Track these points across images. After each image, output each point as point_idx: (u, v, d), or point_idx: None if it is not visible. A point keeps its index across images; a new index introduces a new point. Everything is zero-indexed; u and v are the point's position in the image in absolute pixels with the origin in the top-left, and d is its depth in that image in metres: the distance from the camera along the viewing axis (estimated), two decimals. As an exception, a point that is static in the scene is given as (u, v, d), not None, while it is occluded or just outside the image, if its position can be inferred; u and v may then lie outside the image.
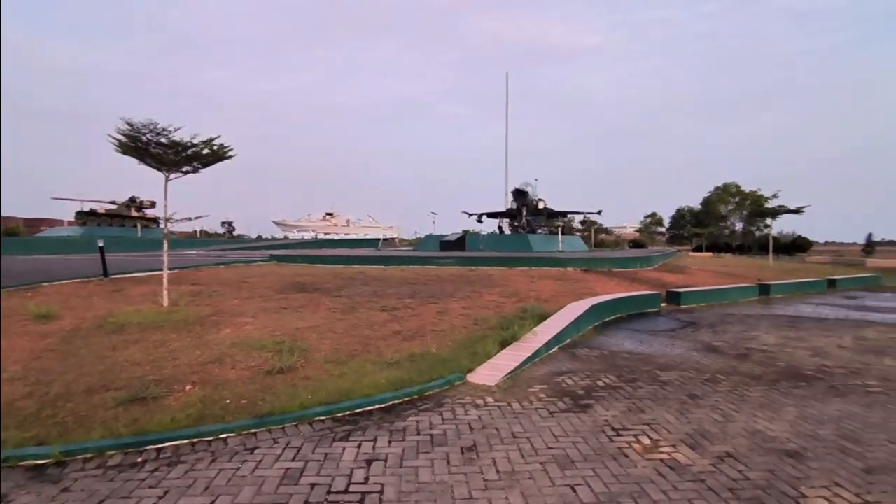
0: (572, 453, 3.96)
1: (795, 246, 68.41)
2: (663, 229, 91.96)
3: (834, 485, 3.52)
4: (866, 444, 4.23)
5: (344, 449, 3.96)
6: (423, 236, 42.37)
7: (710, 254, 55.82)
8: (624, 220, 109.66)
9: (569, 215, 50.28)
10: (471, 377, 6.00)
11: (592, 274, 17.83)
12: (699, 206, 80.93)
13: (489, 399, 5.29)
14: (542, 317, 9.27)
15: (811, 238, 73.89)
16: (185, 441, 4.04)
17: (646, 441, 4.23)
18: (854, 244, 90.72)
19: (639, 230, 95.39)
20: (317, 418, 4.56)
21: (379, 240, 47.95)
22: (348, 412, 4.74)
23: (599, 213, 43.10)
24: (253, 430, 4.26)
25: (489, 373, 6.11)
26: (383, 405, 4.97)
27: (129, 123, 9.15)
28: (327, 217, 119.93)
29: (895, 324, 11.02)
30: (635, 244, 78.85)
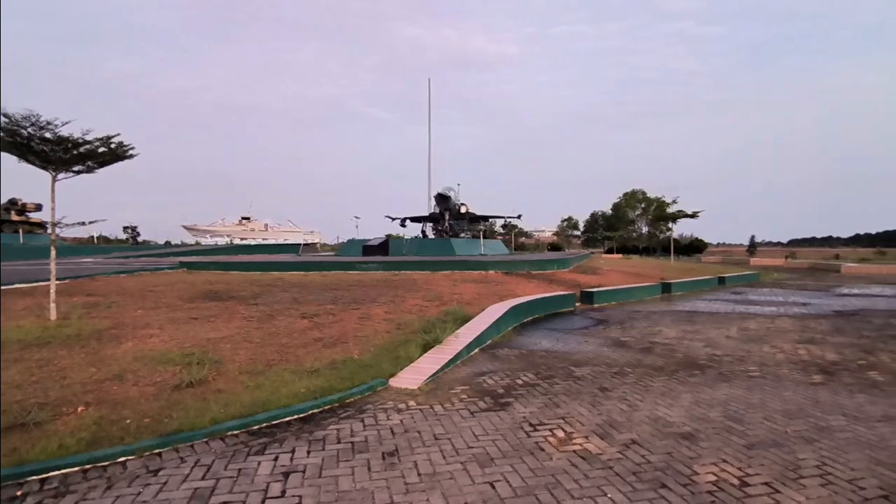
0: (492, 451, 4.07)
1: (693, 247, 74.94)
2: (579, 233, 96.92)
3: (721, 461, 3.90)
4: (748, 423, 4.73)
5: (259, 463, 3.79)
6: (345, 241, 41.56)
7: (620, 255, 59.63)
8: (542, 223, 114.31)
9: (490, 219, 51.64)
10: (393, 382, 5.98)
11: (513, 276, 18.42)
12: (610, 211, 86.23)
13: (412, 403, 5.30)
14: (465, 319, 9.44)
15: (706, 240, 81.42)
16: (75, 469, 3.67)
17: (560, 434, 4.45)
18: (741, 245, 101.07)
19: (556, 233, 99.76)
20: (230, 433, 4.33)
21: (300, 245, 46.40)
22: (265, 424, 4.55)
23: (519, 217, 44.53)
24: (157, 451, 3.96)
25: (412, 377, 6.13)
26: (302, 415, 4.82)
27: (5, 115, 8.12)
28: (243, 221, 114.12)
29: (771, 315, 12.42)
30: (553, 247, 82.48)
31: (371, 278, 16.06)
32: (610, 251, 71.77)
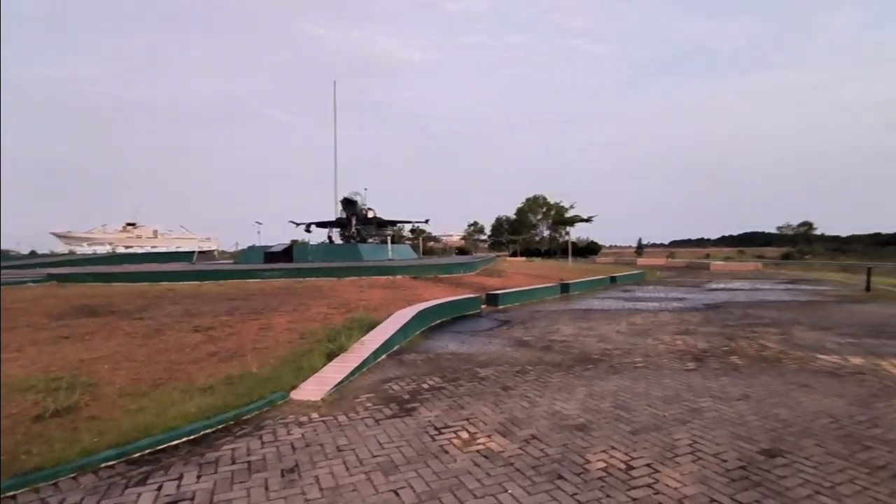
0: (397, 458, 4.05)
1: (589, 249, 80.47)
2: (485, 237, 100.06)
3: (610, 448, 4.20)
4: (633, 411, 5.15)
5: (139, 495, 3.44)
6: (245, 248, 39.31)
7: (524, 258, 62.41)
8: (451, 228, 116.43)
9: (398, 224, 51.58)
10: (295, 394, 5.74)
11: (421, 281, 18.54)
12: (514, 216, 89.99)
13: (314, 415, 5.12)
14: (371, 326, 9.32)
15: (601, 242, 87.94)
16: None
17: (465, 435, 4.53)
18: (630, 247, 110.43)
19: (464, 238, 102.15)
20: (104, 464, 3.89)
21: (193, 252, 43.11)
22: (148, 451, 4.14)
23: (426, 222, 45.00)
24: (11, 494, 3.45)
25: (315, 387, 5.92)
26: (193, 437, 4.46)
27: None
28: (128, 228, 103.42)
29: (654, 310, 13.68)
30: (461, 251, 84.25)
31: (273, 286, 15.32)
32: (514, 254, 74.80)
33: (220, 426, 4.73)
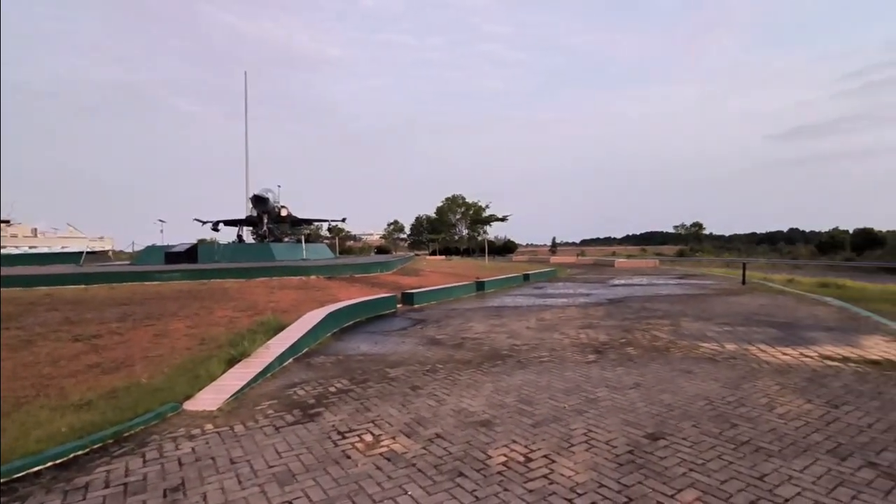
0: (295, 467, 3.88)
1: (506, 248, 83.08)
2: (405, 236, 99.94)
3: (511, 442, 4.32)
4: (536, 404, 5.34)
5: (-13, 531, 3.02)
6: (144, 248, 36.22)
7: (443, 257, 63.07)
8: (370, 227, 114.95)
9: (315, 223, 50.00)
10: (189, 405, 5.35)
11: (336, 281, 18.10)
12: (434, 215, 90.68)
13: (208, 426, 4.79)
14: (279, 328, 8.93)
15: (517, 241, 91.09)
16: None
17: (368, 438, 4.45)
18: (545, 245, 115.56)
19: (383, 237, 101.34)
20: (-56, 499, 3.37)
21: (81, 253, 39.02)
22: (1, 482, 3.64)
23: (344, 220, 43.86)
24: None
25: (212, 396, 5.55)
26: (60, 460, 3.99)
27: None
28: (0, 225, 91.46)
29: (563, 306, 14.37)
30: (381, 250, 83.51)
31: (173, 289, 14.22)
32: (434, 253, 75.42)
33: (95, 445, 4.28)
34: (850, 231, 59.08)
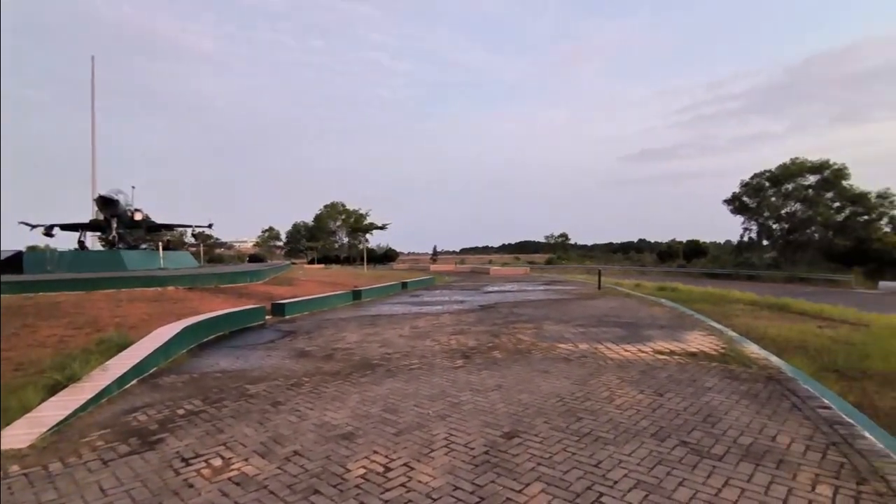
0: None
1: (387, 256, 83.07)
2: (281, 243, 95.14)
3: (372, 453, 4.27)
4: (401, 413, 5.35)
5: None
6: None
7: (321, 265, 61.17)
8: (244, 234, 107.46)
9: (177, 228, 45.55)
10: (-10, 444, 4.48)
11: (198, 292, 16.61)
12: (313, 222, 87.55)
13: (14, 468, 4.05)
14: (124, 346, 7.93)
15: (399, 250, 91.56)
16: None
17: (217, 463, 4.10)
18: (426, 254, 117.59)
19: (257, 244, 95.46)
20: None
21: None
22: None
23: (210, 226, 40.48)
24: None
25: (23, 432, 4.71)
26: None
27: None
28: None
29: (437, 313, 14.69)
30: (254, 258, 78.64)
31: (-17, 306, 11.92)
32: (312, 262, 72.84)
33: None
34: (684, 242, 68.59)
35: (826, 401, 5.57)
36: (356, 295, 18.99)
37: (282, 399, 5.94)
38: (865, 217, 40.28)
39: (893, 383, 6.55)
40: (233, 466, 4.03)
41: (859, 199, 40.36)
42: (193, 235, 73.41)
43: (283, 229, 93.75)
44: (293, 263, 58.48)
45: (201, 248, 56.61)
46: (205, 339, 10.07)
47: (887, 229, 41.02)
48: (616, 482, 3.65)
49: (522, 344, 9.34)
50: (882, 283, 29.45)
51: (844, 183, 40.92)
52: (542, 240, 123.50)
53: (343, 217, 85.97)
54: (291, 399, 5.94)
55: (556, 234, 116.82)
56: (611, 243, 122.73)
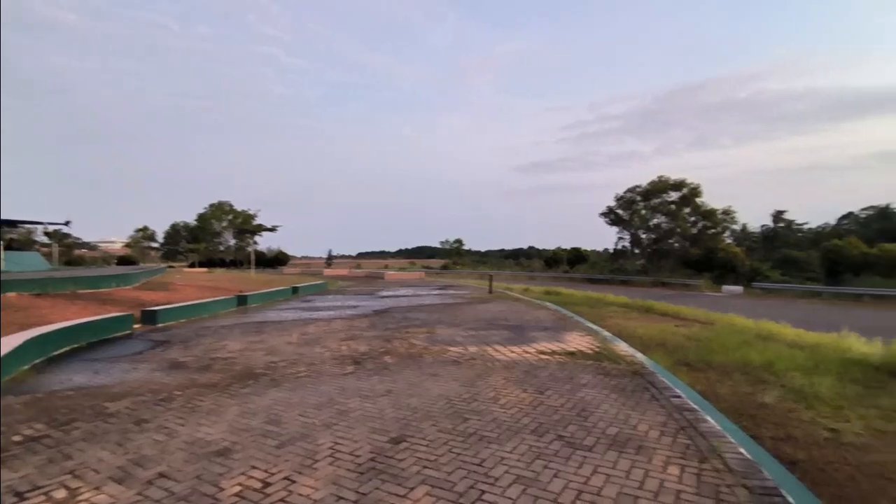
0: (-70, 552, 2.87)
1: (278, 260, 79.15)
2: (157, 245, 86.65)
3: (250, 468, 4.00)
4: (284, 423, 5.10)
5: None
6: None
7: (205, 269, 56.66)
8: (112, 233, 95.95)
9: (24, 226, 39.51)
10: None
11: (48, 299, 14.53)
12: (195, 222, 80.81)
13: None
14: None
15: (292, 253, 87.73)
16: None
17: (60, 495, 3.58)
18: (321, 258, 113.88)
19: (129, 245, 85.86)
20: None
21: None
22: None
23: (68, 223, 35.95)
24: None
25: None
26: None
27: None
28: None
29: (329, 319, 14.28)
30: (124, 261, 70.78)
31: None
32: (193, 265, 67.24)
33: None
34: (568, 249, 73.78)
35: (678, 391, 6.30)
36: (241, 300, 17.81)
37: (147, 416, 5.37)
38: (713, 230, 46.47)
39: (730, 373, 7.58)
40: (80, 497, 3.54)
41: (709, 214, 46.43)
42: (46, 234, 64.22)
43: (161, 229, 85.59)
44: (171, 267, 53.61)
45: (55, 249, 49.59)
46: (55, 353, 8.80)
47: (729, 241, 47.97)
48: (497, 479, 3.79)
49: (414, 348, 9.39)
50: (725, 287, 34.05)
51: (698, 200, 46.79)
52: (438, 245, 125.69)
53: (230, 217, 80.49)
54: (159, 416, 5.39)
55: (452, 239, 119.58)
56: (503, 249, 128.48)
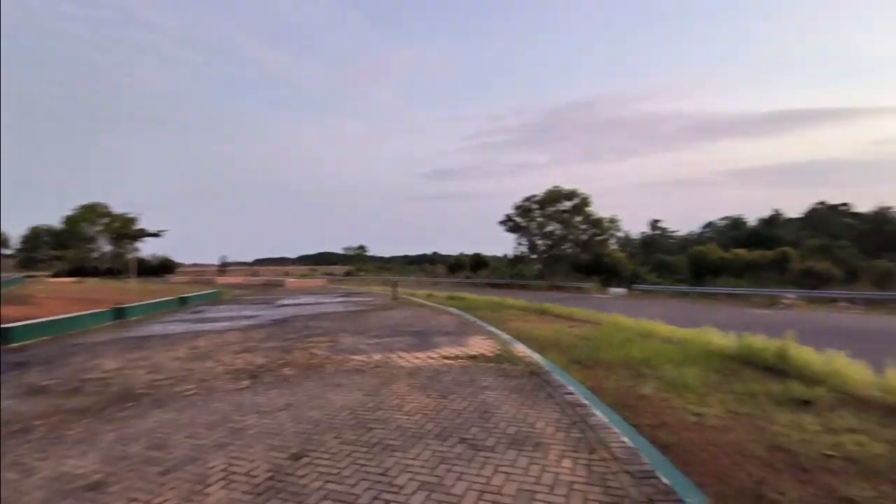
0: None
1: (163, 268, 72.62)
2: (11, 251, 75.42)
3: (130, 501, 3.63)
4: (170, 448, 4.68)
5: None
6: None
7: (74, 279, 50.38)
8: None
9: None
10: None
11: None
12: (62, 226, 71.47)
13: None
14: None
15: (180, 260, 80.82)
16: None
17: None
18: (213, 265, 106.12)
19: (-29, 252, 73.72)
20: None
21: None
22: None
23: None
24: None
25: None
26: None
27: None
28: None
29: (222, 330, 13.37)
30: (-34, 271, 60.66)
31: None
32: (59, 274, 59.48)
33: None
34: (470, 255, 75.88)
35: (571, 388, 6.74)
36: (119, 313, 16.06)
37: (-2, 452, 4.65)
38: (601, 237, 50.59)
39: (615, 369, 8.26)
40: None
41: (597, 223, 50.46)
42: None
43: (16, 233, 74.65)
44: (29, 277, 47.05)
45: None
46: None
47: (614, 247, 52.53)
48: (402, 487, 3.79)
49: (316, 359, 9.10)
50: (611, 289, 37.04)
51: (588, 209, 50.63)
52: (341, 251, 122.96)
53: (107, 221, 72.27)
54: (12, 450, 4.69)
55: (355, 245, 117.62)
56: (407, 255, 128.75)
